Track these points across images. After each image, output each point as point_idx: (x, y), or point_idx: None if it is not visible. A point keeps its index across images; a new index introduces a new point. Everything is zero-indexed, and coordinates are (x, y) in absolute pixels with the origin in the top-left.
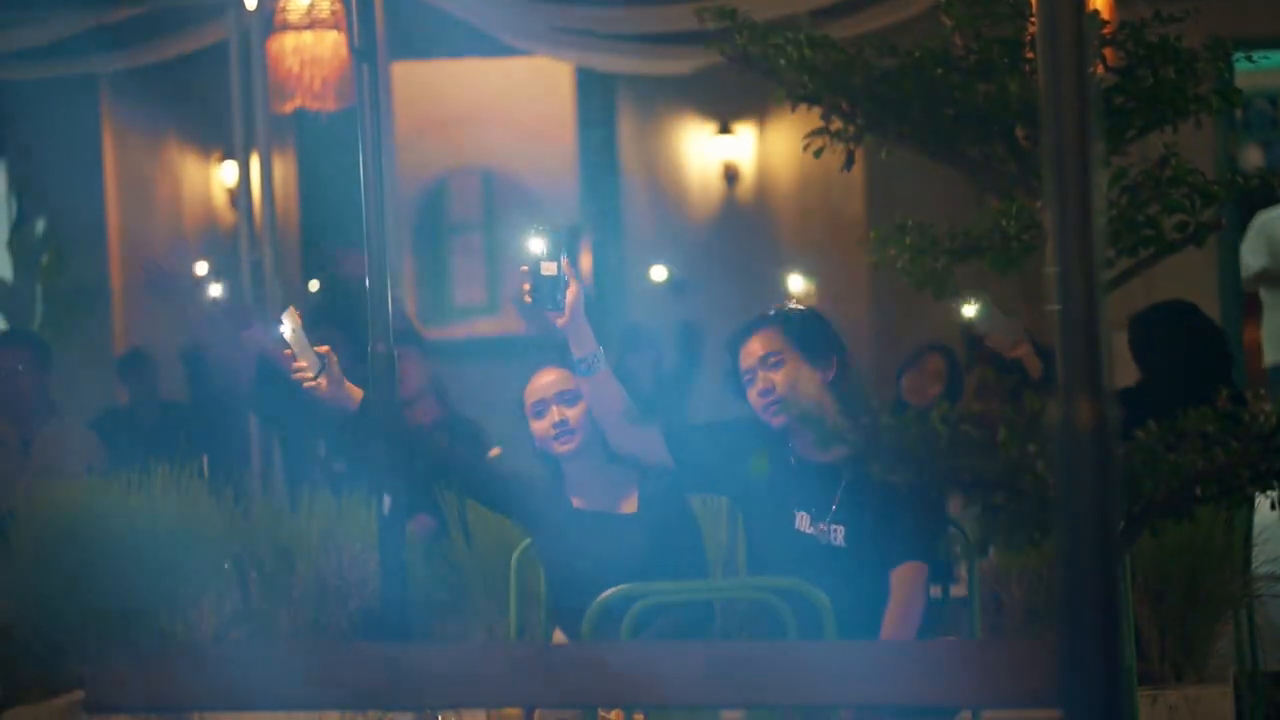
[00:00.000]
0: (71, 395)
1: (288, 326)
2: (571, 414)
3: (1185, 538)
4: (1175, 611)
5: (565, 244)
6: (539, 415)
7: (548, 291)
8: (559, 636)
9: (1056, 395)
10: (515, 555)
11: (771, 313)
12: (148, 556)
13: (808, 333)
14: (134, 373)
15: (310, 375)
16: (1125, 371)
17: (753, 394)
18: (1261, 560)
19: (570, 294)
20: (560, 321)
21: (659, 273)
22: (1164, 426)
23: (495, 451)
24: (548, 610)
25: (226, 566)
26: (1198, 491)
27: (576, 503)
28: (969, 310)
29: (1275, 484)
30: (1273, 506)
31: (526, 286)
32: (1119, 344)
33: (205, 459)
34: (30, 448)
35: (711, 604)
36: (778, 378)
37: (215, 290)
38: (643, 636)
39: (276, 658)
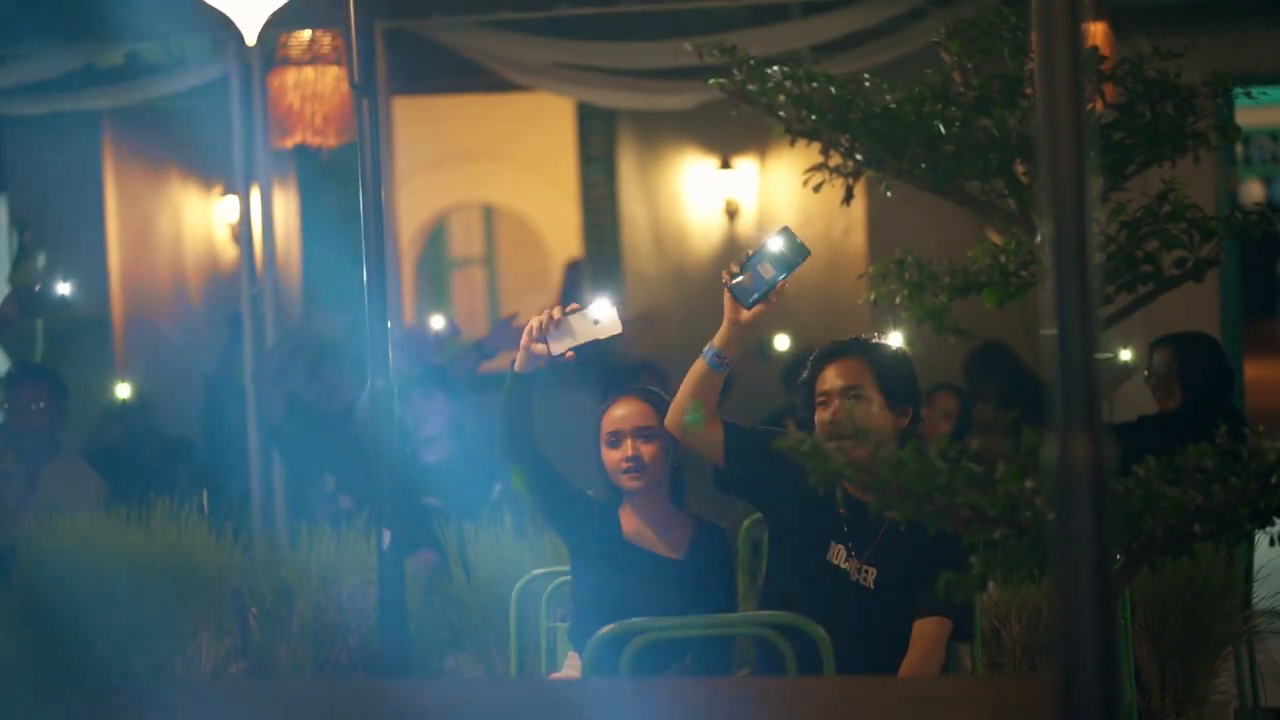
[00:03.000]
0: (73, 430)
1: (608, 313)
2: (646, 450)
3: (1185, 574)
4: (1175, 647)
5: (796, 264)
6: (614, 445)
7: (751, 286)
8: (573, 661)
9: (1053, 431)
10: (515, 590)
11: (863, 341)
12: (147, 591)
13: (893, 374)
14: (129, 409)
15: (552, 351)
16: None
17: (824, 415)
18: (1261, 596)
19: (763, 307)
20: (741, 315)
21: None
22: (1162, 462)
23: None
24: (570, 636)
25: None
26: (1197, 528)
27: (628, 535)
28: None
29: (1274, 520)
30: (1272, 543)
31: (735, 267)
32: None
33: (205, 494)
34: (36, 482)
35: (730, 644)
36: (857, 411)
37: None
38: (666, 675)
39: (275, 693)
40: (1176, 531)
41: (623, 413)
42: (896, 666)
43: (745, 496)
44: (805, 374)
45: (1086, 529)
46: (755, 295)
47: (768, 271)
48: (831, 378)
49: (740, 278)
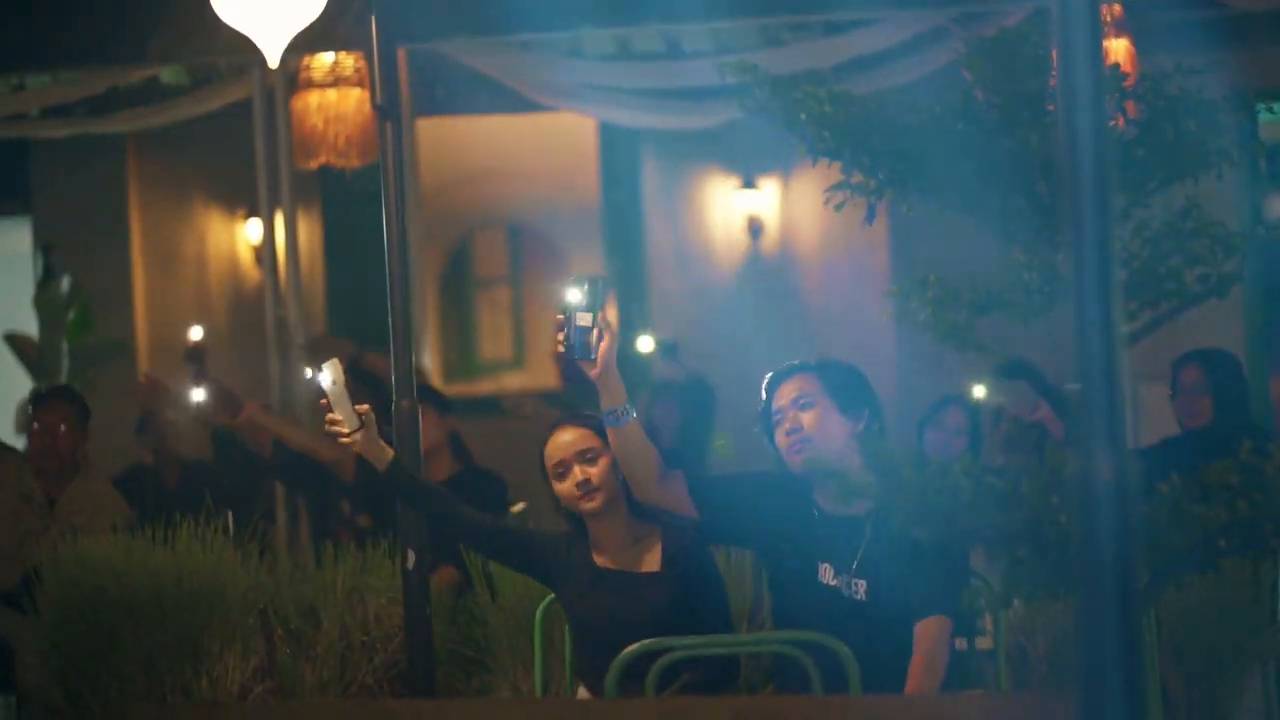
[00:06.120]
0: (96, 452)
1: (328, 377)
2: (594, 472)
3: (1211, 592)
4: (1201, 666)
5: (602, 295)
6: (561, 476)
7: (581, 341)
8: (583, 694)
9: (1076, 448)
10: (540, 610)
11: (810, 361)
12: (172, 613)
13: (843, 383)
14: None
15: (345, 431)
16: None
17: (780, 433)
18: None
19: (604, 345)
20: (593, 372)
21: (645, 343)
22: (1187, 478)
23: (519, 507)
24: (572, 667)
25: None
26: (1221, 544)
27: (600, 561)
28: (978, 389)
29: None
30: None
31: (560, 336)
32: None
33: (230, 515)
34: (55, 504)
35: (737, 659)
36: (806, 418)
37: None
38: (667, 693)
39: (301, 714)
40: (1201, 548)
41: (563, 441)
42: (904, 673)
43: (729, 542)
44: (761, 403)
45: (1110, 546)
46: (590, 346)
47: (584, 320)
48: (781, 396)
49: (569, 344)
